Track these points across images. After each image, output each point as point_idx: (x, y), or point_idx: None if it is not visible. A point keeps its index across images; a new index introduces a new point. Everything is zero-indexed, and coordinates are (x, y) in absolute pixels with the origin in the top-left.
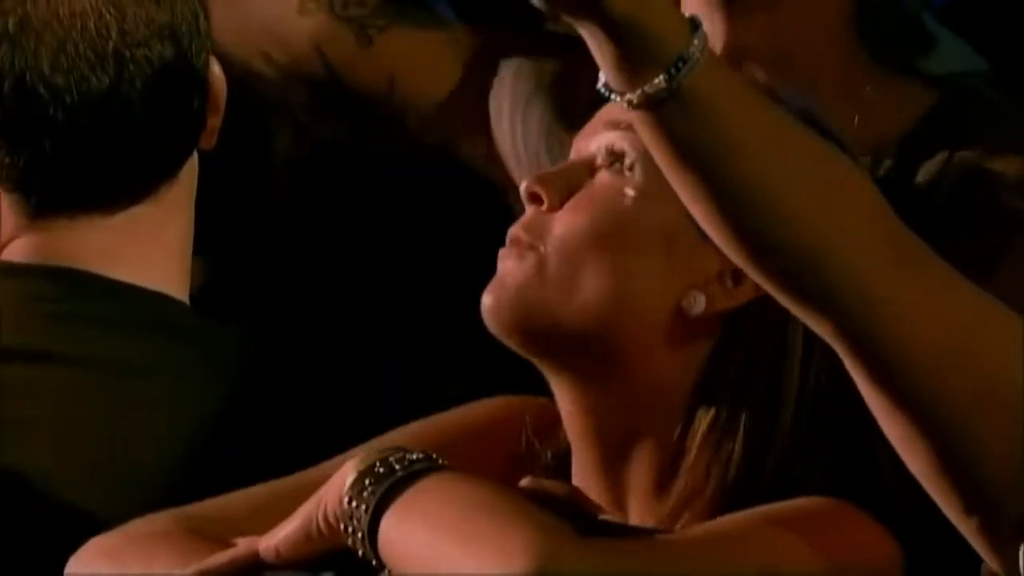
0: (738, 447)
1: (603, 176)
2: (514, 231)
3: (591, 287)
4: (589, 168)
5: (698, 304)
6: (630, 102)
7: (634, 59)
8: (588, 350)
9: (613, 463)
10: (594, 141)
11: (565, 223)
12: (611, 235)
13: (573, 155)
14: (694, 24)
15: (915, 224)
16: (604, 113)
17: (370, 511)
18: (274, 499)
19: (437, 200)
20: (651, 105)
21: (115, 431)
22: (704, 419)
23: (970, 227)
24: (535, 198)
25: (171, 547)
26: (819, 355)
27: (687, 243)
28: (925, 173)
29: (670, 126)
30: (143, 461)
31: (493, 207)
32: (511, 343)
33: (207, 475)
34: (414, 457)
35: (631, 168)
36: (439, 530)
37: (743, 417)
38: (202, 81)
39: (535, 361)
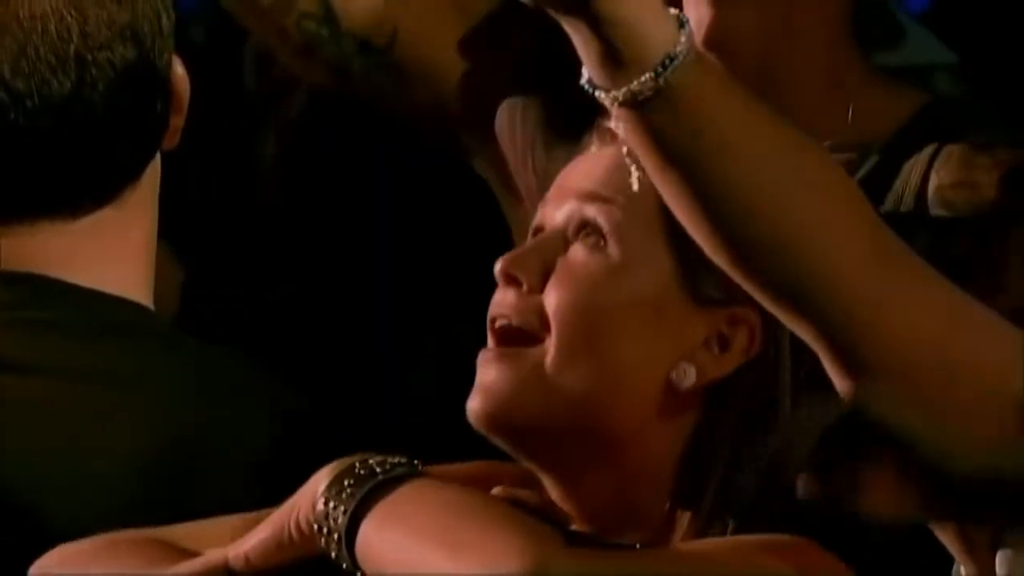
0: (730, 518)
1: (578, 252)
2: (502, 319)
3: (584, 378)
4: (562, 241)
5: (688, 377)
6: (615, 99)
7: (620, 56)
8: (579, 443)
9: (603, 534)
10: (563, 211)
11: (553, 309)
12: (600, 318)
13: (539, 221)
14: (680, 22)
15: (900, 221)
16: (572, 181)
17: (348, 513)
18: (251, 525)
19: (437, 200)
20: (636, 103)
21: (76, 440)
22: (695, 491)
23: (957, 223)
24: (513, 280)
25: (139, 555)
26: (811, 417)
27: (672, 312)
28: (911, 170)
29: (655, 124)
30: (105, 471)
31: (494, 208)
32: (498, 443)
33: (174, 485)
34: (395, 461)
35: (607, 242)
36: (423, 534)
37: (734, 487)
38: (165, 82)
39: (522, 459)
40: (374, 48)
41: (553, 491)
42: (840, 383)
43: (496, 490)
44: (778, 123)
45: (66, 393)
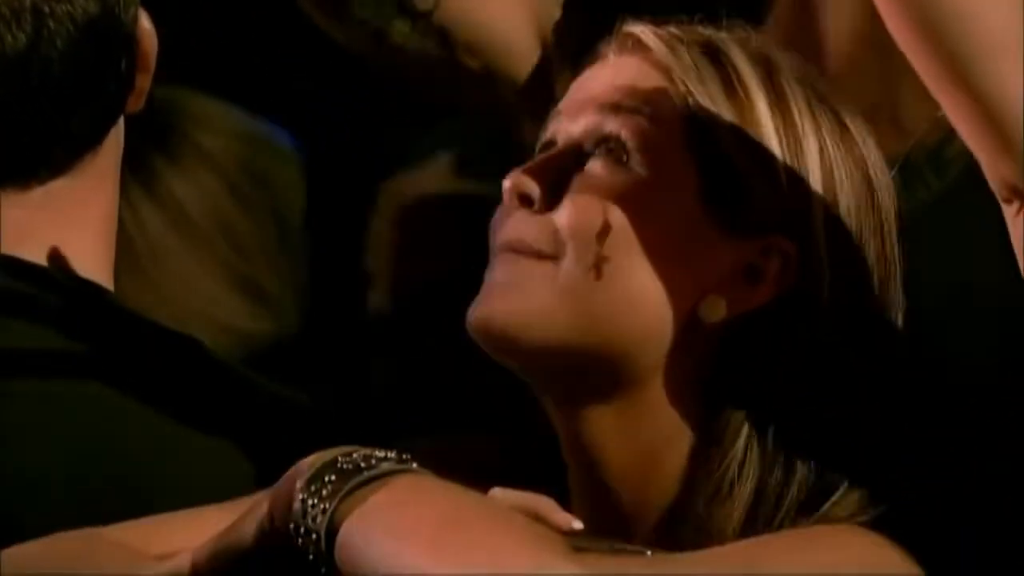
0: (767, 473)
1: (597, 167)
2: (513, 238)
3: (603, 300)
4: (577, 155)
5: (718, 309)
6: None
7: None
8: (597, 370)
9: (619, 492)
10: (580, 123)
11: (572, 227)
12: (624, 238)
13: (550, 135)
14: None
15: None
16: (590, 92)
17: (329, 512)
18: (214, 521)
19: (438, 197)
20: None
21: (20, 429)
22: (724, 439)
23: None
24: (524, 199)
25: (98, 555)
26: (849, 362)
27: (700, 237)
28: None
29: None
30: (49, 464)
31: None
32: (504, 361)
33: (128, 480)
34: (382, 455)
35: (630, 157)
36: (411, 537)
37: (769, 436)
38: (130, 38)
39: (534, 384)
40: (417, 10)
41: (565, 430)
42: None
43: (495, 491)
44: None
45: (11, 382)
